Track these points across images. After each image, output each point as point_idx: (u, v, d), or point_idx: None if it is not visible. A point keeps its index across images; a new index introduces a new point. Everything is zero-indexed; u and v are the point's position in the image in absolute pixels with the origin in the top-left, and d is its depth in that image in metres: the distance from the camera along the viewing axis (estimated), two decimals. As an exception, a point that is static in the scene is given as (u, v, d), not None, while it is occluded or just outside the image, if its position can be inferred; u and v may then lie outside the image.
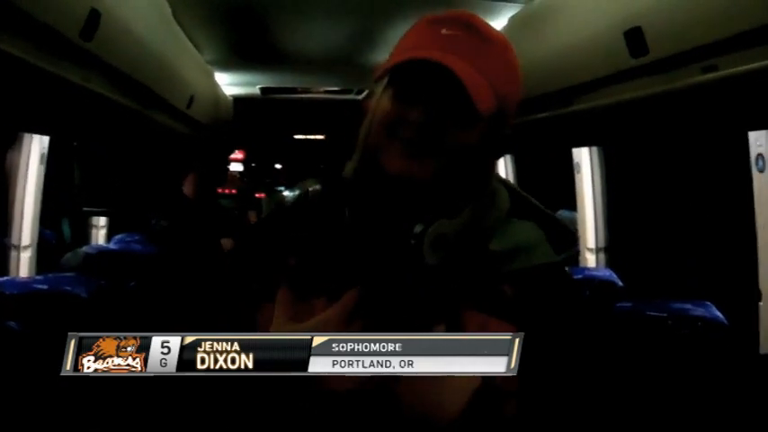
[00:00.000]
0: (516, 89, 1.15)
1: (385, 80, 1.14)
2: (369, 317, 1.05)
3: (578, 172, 4.83)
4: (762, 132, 3.00)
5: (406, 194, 1.11)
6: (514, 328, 1.06)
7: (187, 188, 4.53)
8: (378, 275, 1.09)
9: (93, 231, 5.74)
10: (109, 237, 5.57)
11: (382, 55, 4.72)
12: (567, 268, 1.25)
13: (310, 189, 1.24)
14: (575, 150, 4.80)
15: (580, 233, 4.86)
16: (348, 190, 1.18)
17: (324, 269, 1.12)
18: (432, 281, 1.09)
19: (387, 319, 1.05)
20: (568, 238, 1.22)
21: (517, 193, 1.25)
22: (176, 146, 5.58)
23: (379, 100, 1.13)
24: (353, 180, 1.19)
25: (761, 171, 3.04)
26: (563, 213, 5.28)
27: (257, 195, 8.25)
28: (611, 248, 4.82)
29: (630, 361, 2.91)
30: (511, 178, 5.97)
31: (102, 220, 5.77)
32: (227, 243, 4.37)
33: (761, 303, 3.09)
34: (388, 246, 1.11)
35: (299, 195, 1.25)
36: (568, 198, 4.96)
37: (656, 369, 2.87)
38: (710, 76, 2.14)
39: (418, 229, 1.09)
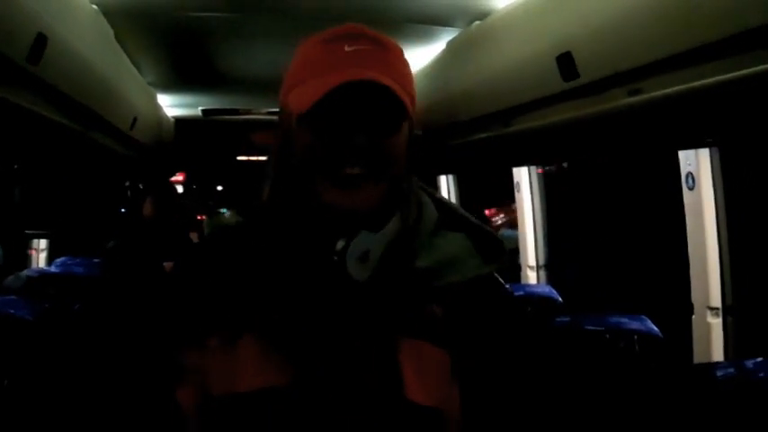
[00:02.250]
0: (414, 87, 1.14)
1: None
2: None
3: (518, 191, 4.92)
4: (691, 152, 3.13)
5: (343, 220, 1.09)
6: (448, 353, 1.10)
7: (146, 210, 4.54)
8: (305, 299, 1.08)
9: (34, 254, 5.69)
10: (50, 260, 5.52)
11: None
12: (498, 277, 1.25)
13: (230, 221, 1.21)
14: (515, 170, 4.88)
15: (521, 251, 4.94)
16: (268, 217, 1.16)
17: (252, 301, 1.10)
18: (361, 302, 1.09)
19: (319, 346, 1.06)
20: (497, 246, 1.19)
21: (444, 204, 1.23)
22: (119, 167, 5.54)
23: (304, 131, 1.09)
24: (272, 207, 1.16)
25: (691, 189, 3.16)
26: (505, 233, 5.38)
27: (198, 217, 8.17)
28: (551, 265, 4.90)
29: (569, 373, 2.97)
30: (453, 198, 6.05)
31: (43, 243, 5.71)
32: (169, 266, 4.37)
33: (693, 316, 3.21)
34: (313, 267, 1.10)
35: (220, 231, 1.22)
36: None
37: (593, 381, 2.93)
38: (637, 98, 2.24)
39: (340, 245, 1.09)
